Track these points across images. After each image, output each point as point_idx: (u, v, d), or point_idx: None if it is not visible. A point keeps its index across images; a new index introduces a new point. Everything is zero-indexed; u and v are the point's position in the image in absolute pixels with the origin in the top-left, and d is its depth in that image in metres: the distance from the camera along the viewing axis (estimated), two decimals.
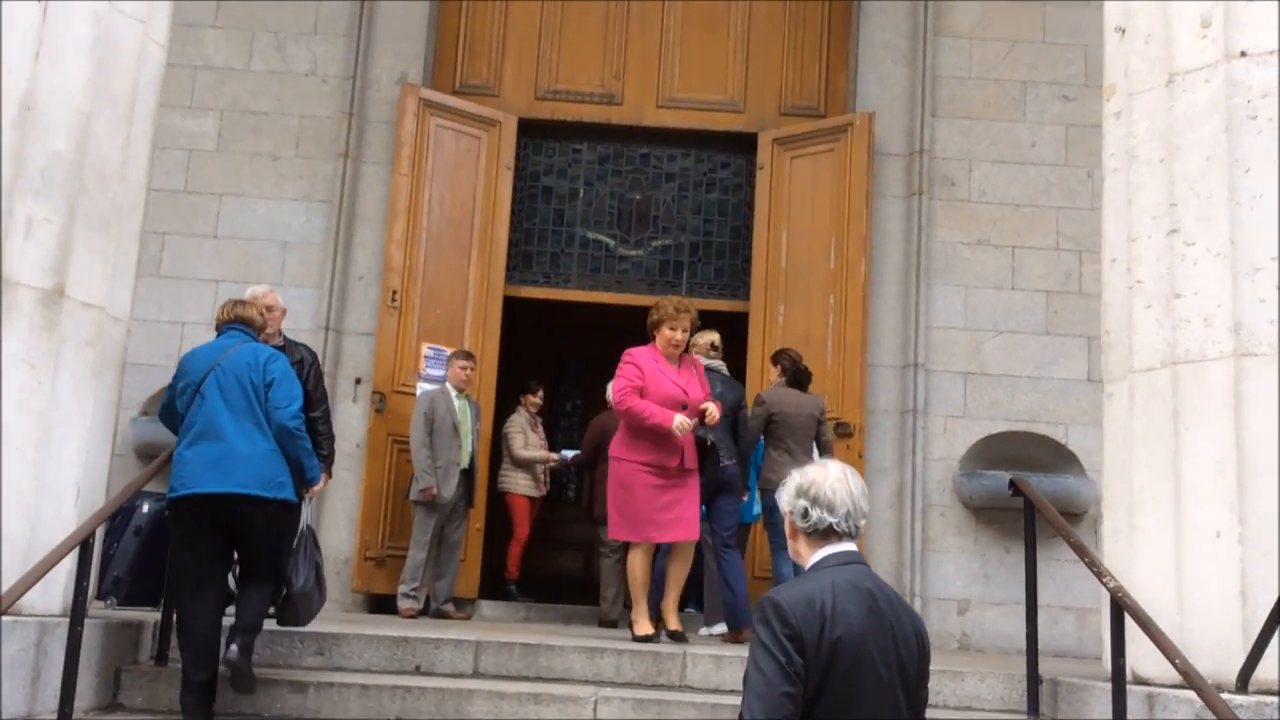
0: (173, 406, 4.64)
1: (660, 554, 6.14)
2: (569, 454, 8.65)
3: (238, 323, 4.83)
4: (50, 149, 4.18)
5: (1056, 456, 7.68)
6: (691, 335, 5.99)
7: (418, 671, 4.84)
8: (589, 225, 8.66)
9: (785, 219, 8.23)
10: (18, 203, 4.08)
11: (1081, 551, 4.37)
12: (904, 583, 7.53)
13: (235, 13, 8.21)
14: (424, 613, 7.10)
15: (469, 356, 7.53)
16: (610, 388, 6.44)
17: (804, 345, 7.93)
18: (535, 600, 8.06)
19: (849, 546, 2.53)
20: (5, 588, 3.73)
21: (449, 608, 7.20)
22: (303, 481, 4.63)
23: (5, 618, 3.65)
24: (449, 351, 7.77)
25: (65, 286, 4.19)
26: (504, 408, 8.51)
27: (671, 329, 5.83)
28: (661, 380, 5.72)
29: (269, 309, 6.02)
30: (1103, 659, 4.52)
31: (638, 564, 5.72)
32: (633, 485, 5.64)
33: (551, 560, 9.99)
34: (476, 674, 4.84)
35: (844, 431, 7.62)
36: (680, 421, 5.56)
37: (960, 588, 7.63)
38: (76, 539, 3.80)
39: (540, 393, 8.45)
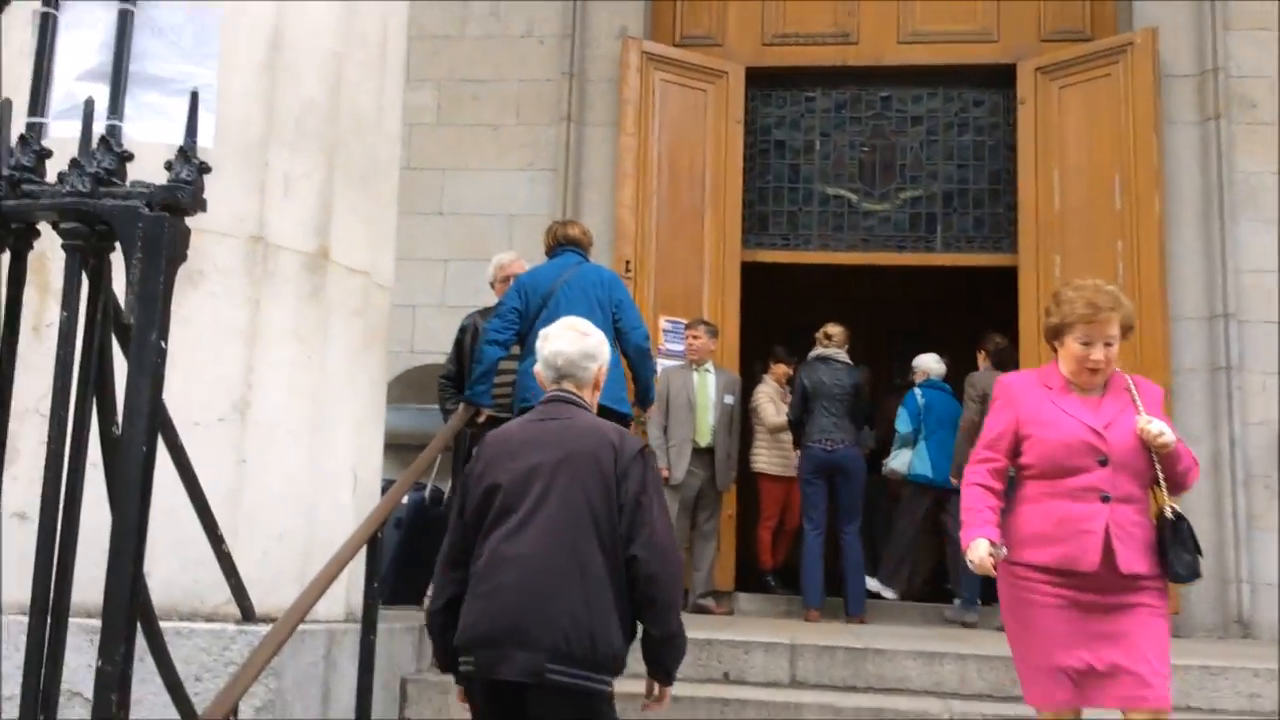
0: (502, 333, 4.83)
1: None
2: None
3: (568, 244, 5.03)
4: (304, 95, 3.70)
5: None
6: (1124, 338, 3.25)
7: (727, 680, 4.20)
8: (828, 180, 7.90)
9: (1055, 157, 7.29)
10: (273, 155, 3.61)
11: None
12: (1226, 565, 6.52)
13: None
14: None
15: (698, 325, 6.95)
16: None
17: None
18: (796, 592, 7.36)
19: None
20: (290, 593, 3.26)
21: (708, 602, 6.59)
22: (642, 402, 4.90)
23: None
24: (685, 323, 7.16)
25: (329, 249, 3.71)
26: (750, 384, 7.82)
27: (1085, 342, 3.16)
28: (1054, 421, 3.16)
29: (516, 277, 5.58)
30: None
31: None
32: (1028, 606, 3.12)
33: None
34: (795, 683, 4.18)
35: None
36: (980, 554, 3.05)
37: None
38: (364, 536, 3.29)
39: (793, 362, 7.69)
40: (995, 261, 7.56)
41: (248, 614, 3.22)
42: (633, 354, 4.83)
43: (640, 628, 2.65)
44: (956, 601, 6.62)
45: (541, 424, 2.77)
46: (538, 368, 2.88)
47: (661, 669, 2.66)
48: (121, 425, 2.24)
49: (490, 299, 5.90)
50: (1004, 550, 3.10)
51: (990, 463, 3.23)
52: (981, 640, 5.07)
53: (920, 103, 7.86)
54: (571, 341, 2.84)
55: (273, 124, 3.60)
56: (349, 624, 3.57)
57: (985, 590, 6.25)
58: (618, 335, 4.79)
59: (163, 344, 2.18)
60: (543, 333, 2.90)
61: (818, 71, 7.90)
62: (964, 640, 5.12)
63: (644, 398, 5.11)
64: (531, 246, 7.39)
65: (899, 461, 6.92)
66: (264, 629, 3.15)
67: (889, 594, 6.84)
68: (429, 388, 6.37)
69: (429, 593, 2.96)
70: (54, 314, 2.90)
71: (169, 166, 2.45)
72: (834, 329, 6.93)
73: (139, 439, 2.14)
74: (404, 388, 6.80)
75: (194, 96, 2.50)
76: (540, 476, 2.62)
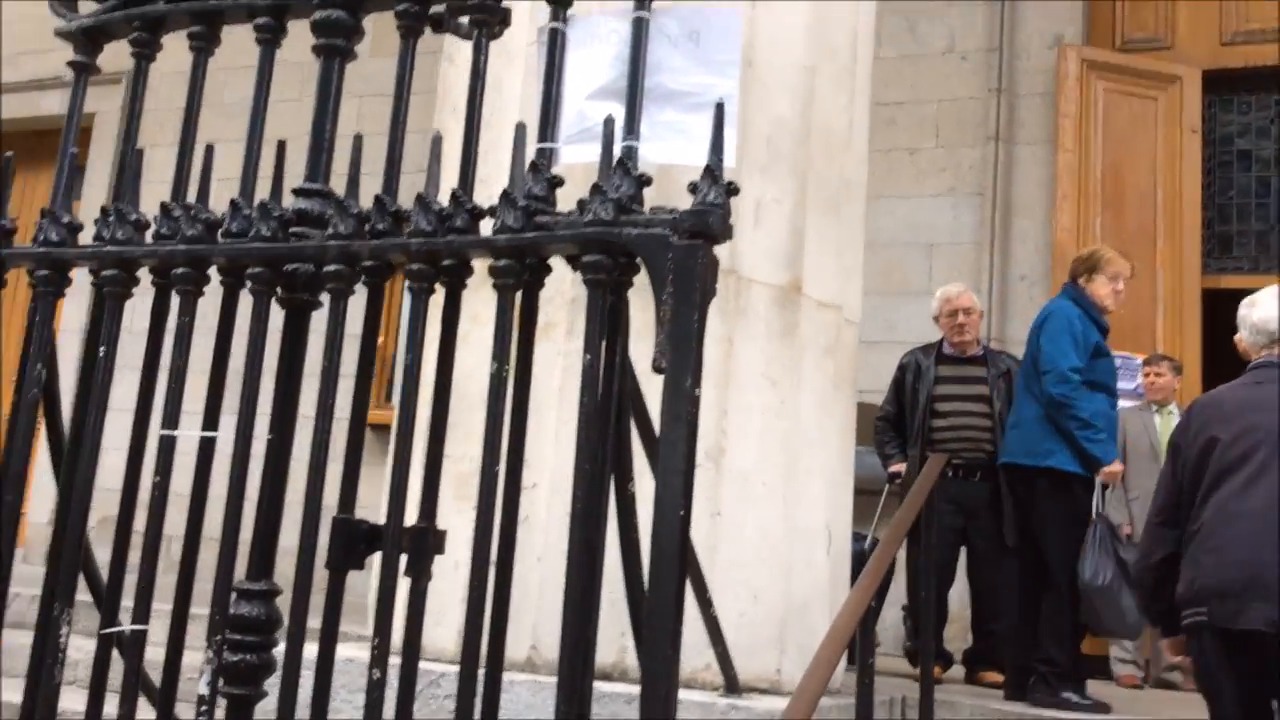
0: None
1: None
2: None
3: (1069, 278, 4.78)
4: (774, 113, 3.41)
5: None
6: None
7: None
8: None
9: None
10: (745, 180, 3.32)
11: None
12: None
13: None
14: (1145, 681, 5.72)
15: (1159, 360, 6.14)
16: None
17: None
18: None
19: None
20: (768, 659, 2.94)
21: (1176, 676, 5.72)
22: (1086, 464, 4.18)
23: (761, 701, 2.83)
24: (1139, 359, 6.36)
25: (801, 282, 3.38)
26: None
27: None
28: None
29: (966, 311, 5.13)
30: None
31: None
32: None
33: None
34: None
35: None
36: None
37: None
38: (862, 603, 2.90)
39: None
40: None
41: (731, 684, 2.91)
42: (1045, 402, 4.23)
43: None
44: None
45: (1258, 387, 2.83)
46: (1242, 335, 2.92)
47: None
48: (657, 484, 1.91)
49: (932, 335, 5.43)
50: None
51: None
52: None
53: None
54: None
55: (744, 145, 3.33)
56: (830, 699, 3.19)
57: None
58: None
59: (697, 391, 1.88)
60: (1249, 300, 2.95)
61: None
62: None
63: (1085, 458, 4.19)
64: (953, 278, 6.85)
65: None
66: (754, 703, 2.84)
67: None
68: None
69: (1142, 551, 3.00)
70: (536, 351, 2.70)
71: (693, 189, 2.15)
72: None
73: (674, 501, 1.78)
74: None
75: (719, 109, 2.19)
76: (1264, 438, 2.67)
